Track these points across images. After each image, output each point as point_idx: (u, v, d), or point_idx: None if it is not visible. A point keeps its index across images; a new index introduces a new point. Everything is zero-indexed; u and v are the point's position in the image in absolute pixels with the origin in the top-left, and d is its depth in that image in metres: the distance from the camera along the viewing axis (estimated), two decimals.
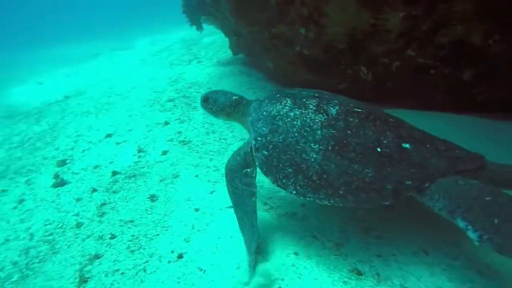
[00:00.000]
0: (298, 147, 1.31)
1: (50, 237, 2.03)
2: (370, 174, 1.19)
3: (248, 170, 1.49)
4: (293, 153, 1.32)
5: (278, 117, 1.42)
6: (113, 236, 1.89)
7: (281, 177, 1.34)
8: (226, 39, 4.55)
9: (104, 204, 2.20)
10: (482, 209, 1.05)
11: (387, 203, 1.19)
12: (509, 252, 0.98)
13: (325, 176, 1.24)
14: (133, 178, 2.42)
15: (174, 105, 3.57)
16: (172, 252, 1.67)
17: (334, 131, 1.27)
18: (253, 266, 1.36)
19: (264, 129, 1.44)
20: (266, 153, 1.39)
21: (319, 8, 2.63)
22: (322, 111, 1.34)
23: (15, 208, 2.40)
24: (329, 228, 1.59)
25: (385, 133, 1.25)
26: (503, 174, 1.23)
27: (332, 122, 1.30)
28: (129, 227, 1.93)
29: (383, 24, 2.39)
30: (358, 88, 2.82)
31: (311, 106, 1.37)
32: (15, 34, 15.89)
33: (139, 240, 1.81)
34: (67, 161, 2.93)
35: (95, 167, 2.73)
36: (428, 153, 1.21)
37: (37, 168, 2.95)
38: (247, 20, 3.33)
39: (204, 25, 5.37)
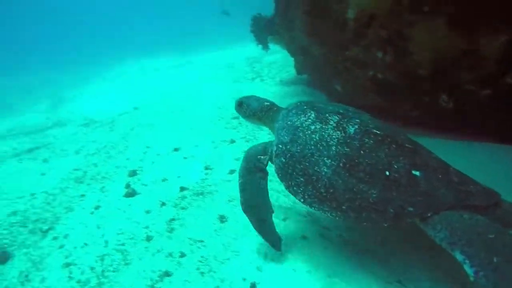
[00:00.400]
0: (313, 159, 1.37)
1: (123, 247, 2.10)
2: (374, 195, 1.22)
3: (262, 157, 1.64)
4: (307, 164, 1.38)
5: (300, 128, 1.48)
6: (182, 255, 1.89)
7: (293, 184, 1.42)
8: (289, 59, 4.57)
9: (173, 219, 2.24)
10: (483, 246, 1.03)
11: (386, 225, 1.21)
12: None
13: (331, 190, 1.29)
14: (201, 196, 2.45)
15: (239, 123, 3.61)
16: (244, 280, 1.62)
17: (348, 149, 1.31)
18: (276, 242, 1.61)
19: (286, 137, 1.52)
20: (284, 160, 1.47)
21: (400, 31, 2.49)
22: (341, 128, 1.38)
23: (92, 213, 2.55)
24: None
25: (398, 157, 1.26)
26: None
27: (348, 141, 1.33)
28: (199, 247, 1.92)
29: (478, 49, 2.18)
30: (433, 116, 2.61)
31: (331, 122, 1.42)
32: (93, 51, 17.61)
33: (209, 262, 1.79)
34: (137, 172, 3.07)
35: (163, 180, 2.81)
36: (438, 183, 1.20)
37: (110, 176, 3.13)
38: (321, 41, 3.29)
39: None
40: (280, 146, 1.52)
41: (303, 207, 2.05)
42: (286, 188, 1.47)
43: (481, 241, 1.04)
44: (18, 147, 4.54)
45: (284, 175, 1.46)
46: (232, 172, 2.68)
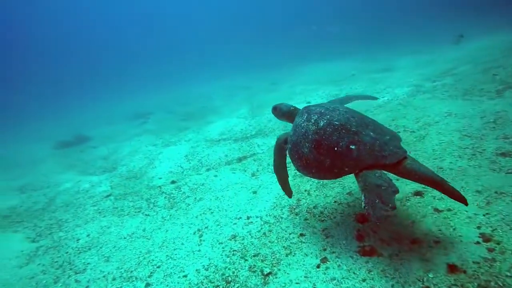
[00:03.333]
0: (300, 144, 2.06)
1: None
2: (328, 163, 1.89)
3: (285, 145, 2.38)
4: (298, 147, 2.08)
5: (297, 125, 2.17)
6: None
7: (293, 159, 2.16)
8: None
9: None
10: (375, 192, 1.68)
11: (335, 178, 1.95)
12: (373, 219, 1.62)
13: (307, 162, 2.00)
14: None
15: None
16: None
17: (317, 137, 1.95)
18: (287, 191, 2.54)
19: (292, 132, 2.24)
20: (290, 146, 2.21)
21: None
22: (315, 123, 2.02)
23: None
24: None
25: (343, 138, 1.86)
26: (415, 172, 1.70)
27: (318, 131, 1.97)
28: None
29: None
30: None
31: (312, 120, 2.05)
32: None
33: None
34: None
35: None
36: (364, 152, 1.79)
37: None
38: None
39: None
40: (289, 137, 2.26)
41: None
42: (291, 161, 2.22)
43: (375, 189, 1.68)
44: (229, 154, 4.87)
45: (289, 154, 2.22)
46: None
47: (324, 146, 1.90)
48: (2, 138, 14.02)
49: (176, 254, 2.69)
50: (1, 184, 6.15)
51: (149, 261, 2.68)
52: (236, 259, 2.45)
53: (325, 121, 1.98)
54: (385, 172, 1.81)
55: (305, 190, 3.12)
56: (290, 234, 2.55)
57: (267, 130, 5.81)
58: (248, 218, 2.96)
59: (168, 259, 2.66)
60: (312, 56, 16.97)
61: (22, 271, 2.96)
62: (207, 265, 2.46)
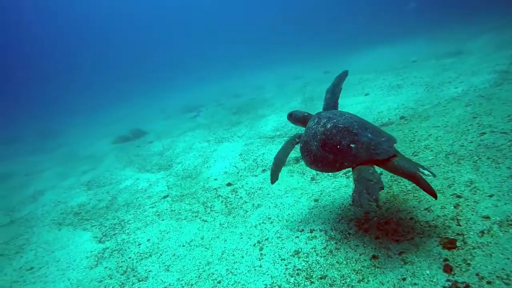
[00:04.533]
0: (309, 143, 2.38)
1: None
2: (331, 158, 2.19)
3: (297, 139, 2.69)
4: (307, 146, 2.40)
5: (309, 127, 2.49)
6: None
7: (303, 155, 2.46)
8: None
9: None
10: (364, 184, 1.95)
11: (336, 171, 2.26)
12: (356, 204, 1.91)
13: (315, 157, 2.31)
14: None
15: None
16: None
17: (324, 137, 2.26)
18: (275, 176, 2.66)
19: (304, 133, 2.55)
20: (301, 144, 2.53)
21: None
22: (323, 126, 2.32)
23: None
24: None
25: (345, 138, 2.16)
26: (400, 168, 1.95)
27: (326, 132, 2.27)
28: None
29: None
30: None
31: (321, 123, 2.36)
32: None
33: None
34: None
35: None
36: (362, 150, 2.09)
37: None
38: None
39: None
40: (302, 137, 2.56)
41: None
42: (302, 158, 2.51)
43: (365, 182, 1.95)
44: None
45: (301, 151, 2.52)
46: None
47: (329, 145, 2.23)
48: (74, 133, 15.29)
49: (236, 269, 2.59)
50: (72, 180, 6.64)
51: (209, 274, 2.62)
52: (301, 280, 2.27)
53: (331, 124, 2.30)
54: (377, 170, 2.12)
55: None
56: (360, 255, 2.31)
57: None
58: (311, 231, 2.76)
59: (229, 273, 2.56)
60: (368, 41, 15.97)
61: (92, 273, 3.09)
62: (270, 285, 2.32)
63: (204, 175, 4.78)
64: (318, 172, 3.81)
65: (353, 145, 2.13)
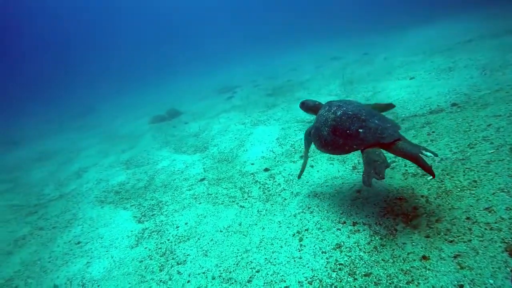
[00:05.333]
0: (321, 128, 2.56)
1: None
2: (341, 142, 2.38)
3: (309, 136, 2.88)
4: (319, 131, 2.59)
5: (320, 115, 2.67)
6: None
7: (315, 140, 2.66)
8: None
9: None
10: (372, 165, 2.16)
11: (345, 154, 2.42)
12: (366, 183, 2.14)
13: (326, 141, 2.50)
14: None
15: None
16: None
17: (334, 123, 2.44)
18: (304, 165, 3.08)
19: (316, 120, 2.73)
20: (313, 131, 2.71)
21: None
22: (334, 113, 2.50)
23: None
24: None
25: (354, 124, 2.35)
26: (402, 150, 2.16)
27: (336, 119, 2.45)
28: None
29: None
30: None
31: (331, 111, 2.53)
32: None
33: None
34: None
35: None
36: (369, 134, 2.27)
37: None
38: None
39: None
40: (314, 124, 2.75)
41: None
42: (313, 142, 2.73)
43: (373, 163, 2.16)
44: None
45: (312, 136, 2.72)
46: None
47: (339, 130, 2.42)
48: (112, 113, 15.90)
49: (275, 259, 2.55)
50: (112, 158, 6.91)
51: (248, 262, 2.60)
52: (344, 276, 2.19)
53: (341, 111, 2.48)
54: (384, 151, 2.29)
55: (422, 196, 2.64)
56: (408, 254, 2.17)
57: None
58: (354, 224, 2.64)
59: (267, 263, 2.53)
60: (412, 21, 14.95)
61: (132, 252, 3.20)
62: (311, 278, 2.26)
63: (240, 158, 4.75)
64: (360, 161, 3.64)
65: (361, 130, 2.33)
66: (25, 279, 3.25)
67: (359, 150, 2.39)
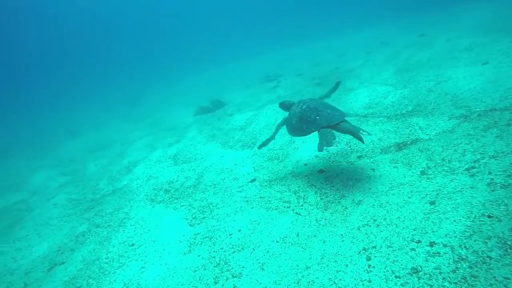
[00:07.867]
0: (290, 119, 3.47)
1: None
2: (304, 127, 3.22)
3: (281, 124, 3.76)
4: (289, 121, 3.49)
5: (292, 109, 3.56)
6: None
7: (287, 128, 3.53)
8: None
9: None
10: (324, 138, 3.04)
11: (307, 135, 3.26)
12: (319, 149, 3.02)
13: (294, 128, 3.38)
14: None
15: None
16: None
17: (301, 114, 3.30)
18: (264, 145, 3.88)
19: (288, 114, 3.65)
20: (287, 122, 3.59)
21: None
22: (301, 108, 3.36)
23: None
24: None
25: (312, 113, 3.19)
26: (345, 129, 2.99)
27: (302, 111, 3.31)
28: None
29: None
30: None
31: (299, 106, 3.41)
32: None
33: None
34: None
35: None
36: (323, 119, 3.09)
37: None
38: None
39: None
40: (287, 117, 3.64)
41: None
42: (286, 129, 3.58)
43: (325, 137, 3.05)
44: (383, 138, 4.18)
45: (286, 126, 3.57)
46: None
47: (303, 118, 3.25)
48: (155, 101, 16.34)
49: (340, 280, 2.34)
50: (159, 152, 7.03)
51: (309, 282, 2.41)
52: None
53: (306, 105, 3.33)
54: (333, 130, 3.11)
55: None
56: None
57: (429, 105, 4.72)
58: (431, 244, 2.34)
59: (332, 284, 2.33)
60: None
61: (185, 259, 3.15)
62: None
63: (292, 157, 4.53)
64: (430, 166, 3.25)
65: (318, 117, 3.14)
66: (87, 279, 3.36)
67: (316, 131, 3.18)
